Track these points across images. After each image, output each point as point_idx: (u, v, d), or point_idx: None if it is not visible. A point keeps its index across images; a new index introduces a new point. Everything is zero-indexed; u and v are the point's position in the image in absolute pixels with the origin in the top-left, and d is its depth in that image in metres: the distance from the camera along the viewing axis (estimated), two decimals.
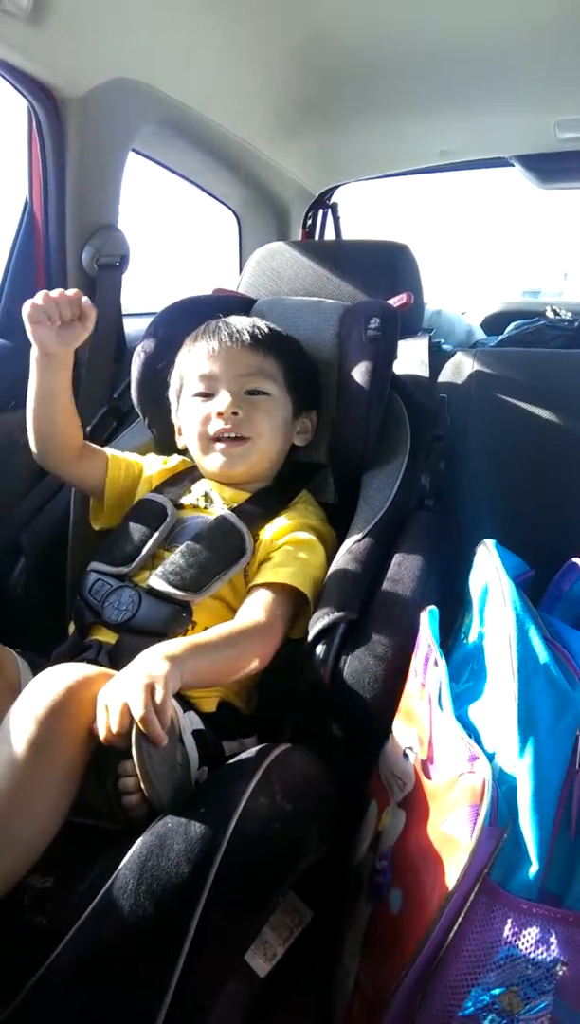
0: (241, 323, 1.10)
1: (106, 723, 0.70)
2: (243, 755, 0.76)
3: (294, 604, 0.96)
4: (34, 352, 1.00)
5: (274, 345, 1.10)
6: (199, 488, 1.08)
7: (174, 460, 1.16)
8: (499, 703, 0.70)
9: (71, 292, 0.98)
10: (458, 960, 0.63)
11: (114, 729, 0.69)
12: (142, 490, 1.12)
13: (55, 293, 0.97)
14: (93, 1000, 0.58)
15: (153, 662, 0.76)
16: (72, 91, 1.24)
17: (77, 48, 1.18)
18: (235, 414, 1.04)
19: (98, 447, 1.14)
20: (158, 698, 0.70)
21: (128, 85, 1.30)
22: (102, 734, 0.70)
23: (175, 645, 0.81)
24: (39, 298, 0.96)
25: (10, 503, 1.21)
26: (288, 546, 1.00)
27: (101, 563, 1.02)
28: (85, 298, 0.99)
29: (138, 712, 0.69)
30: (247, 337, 1.07)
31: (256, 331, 1.09)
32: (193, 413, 1.08)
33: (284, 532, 1.01)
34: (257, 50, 1.41)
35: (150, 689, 0.71)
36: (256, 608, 0.93)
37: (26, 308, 0.96)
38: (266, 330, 1.10)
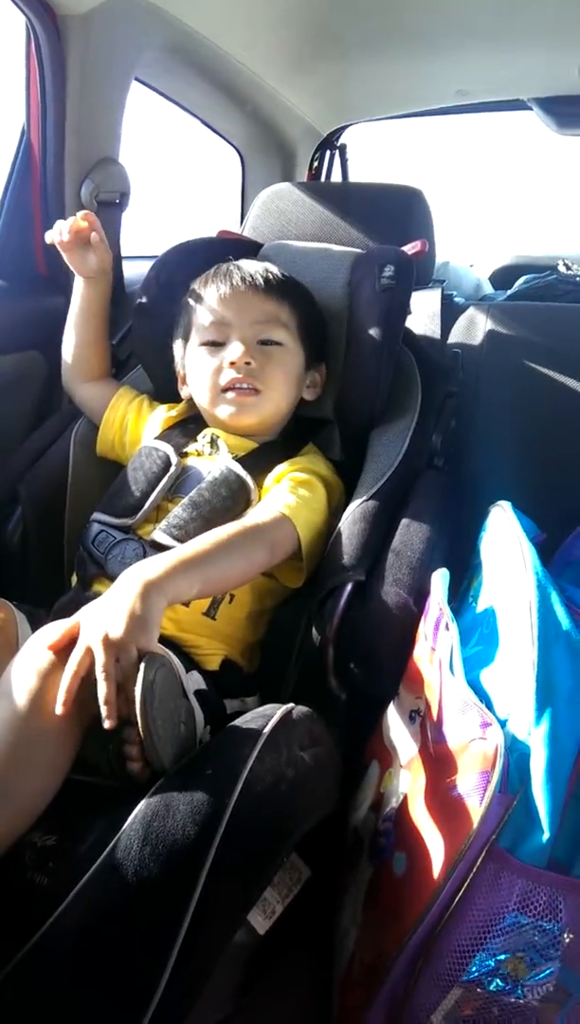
0: (253, 267, 1.05)
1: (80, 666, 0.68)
2: (248, 715, 0.75)
3: (284, 530, 0.91)
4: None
5: (289, 292, 1.05)
6: (205, 435, 1.03)
7: (176, 408, 1.12)
8: (514, 670, 0.68)
9: (80, 215, 1.09)
10: (464, 925, 0.62)
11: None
12: (147, 432, 1.09)
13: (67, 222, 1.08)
14: (94, 962, 0.57)
15: (133, 598, 0.71)
16: (74, 7, 1.15)
17: None
18: (248, 363, 1.00)
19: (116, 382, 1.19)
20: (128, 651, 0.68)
21: (134, 4, 1.21)
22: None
23: (157, 566, 0.75)
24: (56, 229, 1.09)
25: (6, 450, 1.17)
26: (287, 482, 0.97)
27: (104, 514, 0.99)
28: (88, 228, 1.09)
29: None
30: (261, 282, 1.02)
31: (270, 276, 1.04)
32: (202, 362, 1.03)
33: (285, 473, 0.98)
34: None
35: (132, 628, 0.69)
36: (258, 511, 0.92)
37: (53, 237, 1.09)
38: (281, 276, 1.05)
